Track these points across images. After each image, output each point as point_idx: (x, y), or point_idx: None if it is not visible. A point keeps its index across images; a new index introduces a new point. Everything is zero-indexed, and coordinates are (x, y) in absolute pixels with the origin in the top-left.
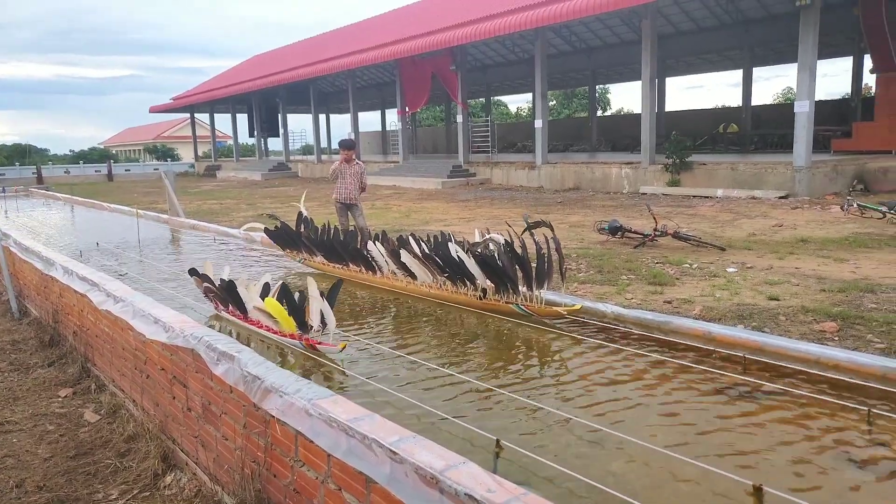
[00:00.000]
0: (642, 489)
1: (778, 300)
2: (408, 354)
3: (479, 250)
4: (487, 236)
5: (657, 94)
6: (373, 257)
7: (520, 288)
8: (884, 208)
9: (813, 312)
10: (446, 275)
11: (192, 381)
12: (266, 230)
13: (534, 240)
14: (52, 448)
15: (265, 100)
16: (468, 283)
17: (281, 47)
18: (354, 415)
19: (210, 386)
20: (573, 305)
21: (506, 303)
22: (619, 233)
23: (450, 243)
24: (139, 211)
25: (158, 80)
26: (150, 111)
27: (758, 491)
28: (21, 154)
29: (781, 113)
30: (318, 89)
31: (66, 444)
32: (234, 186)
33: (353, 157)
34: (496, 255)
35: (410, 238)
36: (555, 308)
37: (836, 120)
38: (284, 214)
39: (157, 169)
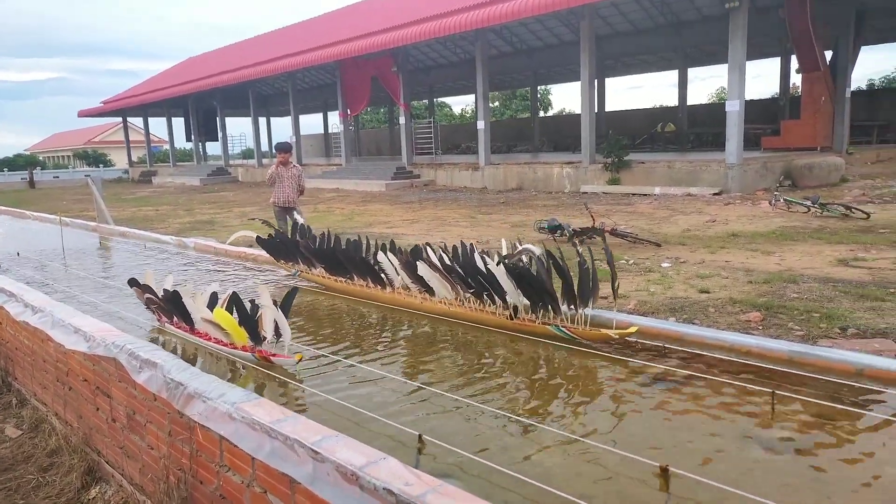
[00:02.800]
0: (563, 477)
1: (708, 293)
2: (412, 381)
3: (513, 261)
4: (522, 247)
5: (597, 94)
6: (382, 269)
7: (561, 307)
8: (808, 202)
9: (740, 303)
10: (472, 290)
11: (116, 391)
12: (259, 239)
13: (577, 250)
14: None
15: (202, 103)
16: (495, 299)
17: (218, 49)
18: (277, 417)
19: (134, 395)
20: (627, 327)
21: (542, 323)
22: (559, 231)
23: (475, 254)
24: (63, 218)
25: (89, 82)
26: (79, 115)
27: (664, 472)
28: None
29: (715, 112)
30: (257, 92)
31: None
32: (171, 192)
33: (290, 160)
34: (532, 267)
35: (428, 248)
36: (603, 330)
37: (766, 118)
38: (224, 220)
39: (87, 175)
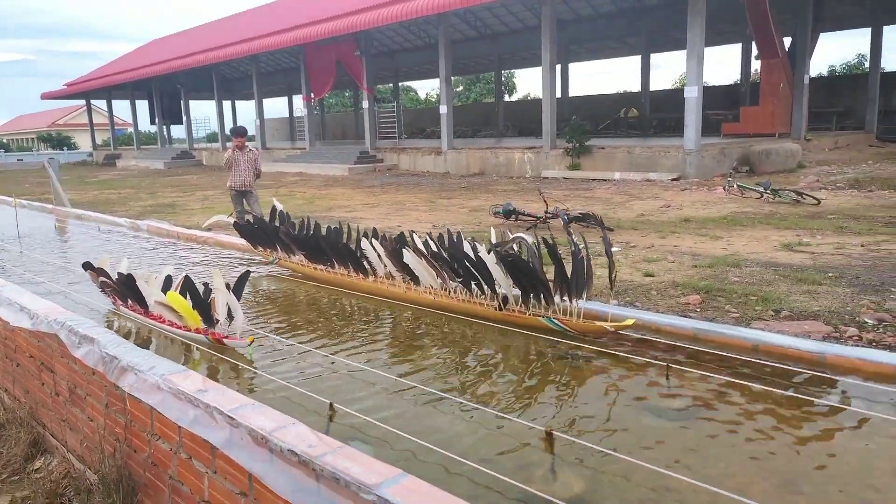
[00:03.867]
0: (470, 444)
1: (653, 276)
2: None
3: (505, 249)
4: (515, 235)
5: (561, 79)
6: (366, 257)
7: (554, 297)
8: (760, 188)
9: (682, 287)
10: (460, 279)
11: (59, 366)
12: (236, 224)
13: (570, 239)
14: None
15: (166, 86)
16: (484, 289)
17: (182, 31)
18: (199, 387)
19: (74, 370)
20: (623, 320)
21: (533, 315)
22: (514, 216)
23: (465, 241)
24: (17, 200)
25: (52, 64)
26: (42, 98)
27: (549, 435)
28: None
29: (678, 98)
30: (221, 75)
31: None
32: (135, 175)
33: (246, 143)
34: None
35: (414, 235)
36: (597, 323)
37: (727, 104)
38: (186, 203)
39: (52, 158)
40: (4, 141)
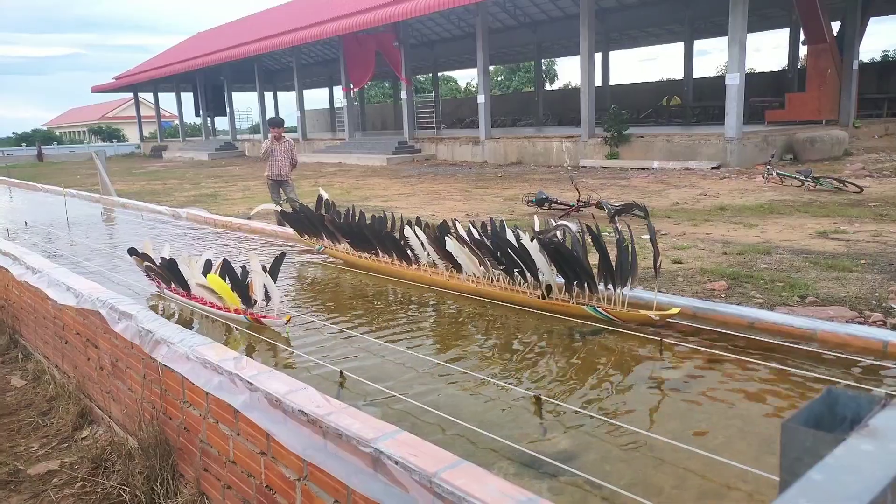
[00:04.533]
0: (465, 406)
1: (681, 263)
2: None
3: (549, 237)
4: (558, 223)
5: (601, 67)
6: (409, 245)
7: (598, 285)
8: (801, 176)
9: (709, 273)
10: (503, 267)
11: (102, 342)
12: (282, 213)
13: (615, 227)
14: None
15: (210, 78)
16: (527, 277)
17: (225, 24)
18: (223, 356)
19: (115, 344)
20: (668, 308)
21: (577, 303)
22: (546, 204)
23: (508, 229)
24: (66, 190)
25: (102, 58)
26: (92, 91)
27: (538, 400)
28: None
29: (722, 85)
30: (263, 67)
31: None
32: (180, 167)
33: (283, 134)
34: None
35: (456, 223)
36: (642, 311)
37: (773, 91)
38: (227, 193)
39: (99, 150)
40: (57, 133)
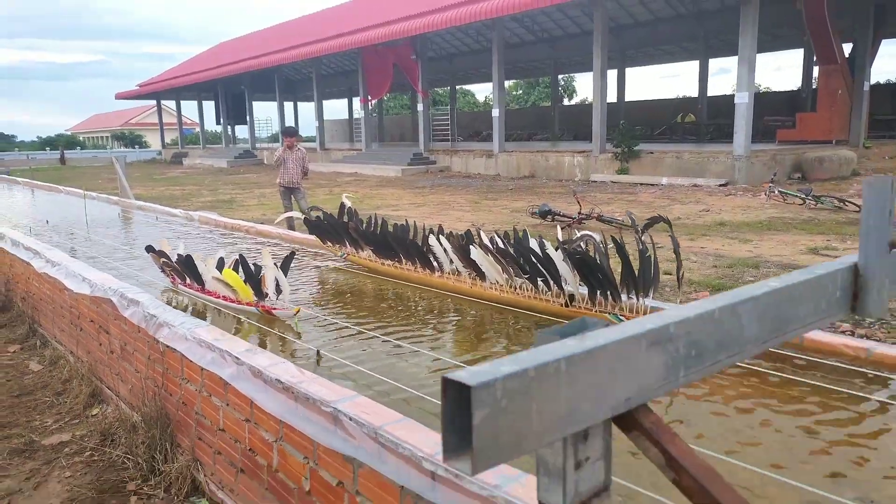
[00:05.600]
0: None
1: (670, 274)
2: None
3: (573, 247)
4: (582, 233)
5: (619, 83)
6: (433, 253)
7: (620, 295)
8: (801, 195)
9: (696, 284)
10: (527, 276)
11: (113, 327)
12: (306, 221)
13: (638, 237)
14: None
15: (231, 87)
16: (551, 286)
17: (247, 34)
18: (216, 336)
19: (124, 329)
20: None
21: (599, 312)
22: (550, 216)
23: (532, 238)
24: (87, 192)
25: (126, 65)
26: (116, 98)
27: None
28: None
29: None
30: (284, 77)
31: (12, 387)
32: (200, 173)
33: (296, 143)
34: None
35: (481, 232)
36: None
37: (788, 110)
38: (243, 200)
39: (119, 155)
40: (81, 139)
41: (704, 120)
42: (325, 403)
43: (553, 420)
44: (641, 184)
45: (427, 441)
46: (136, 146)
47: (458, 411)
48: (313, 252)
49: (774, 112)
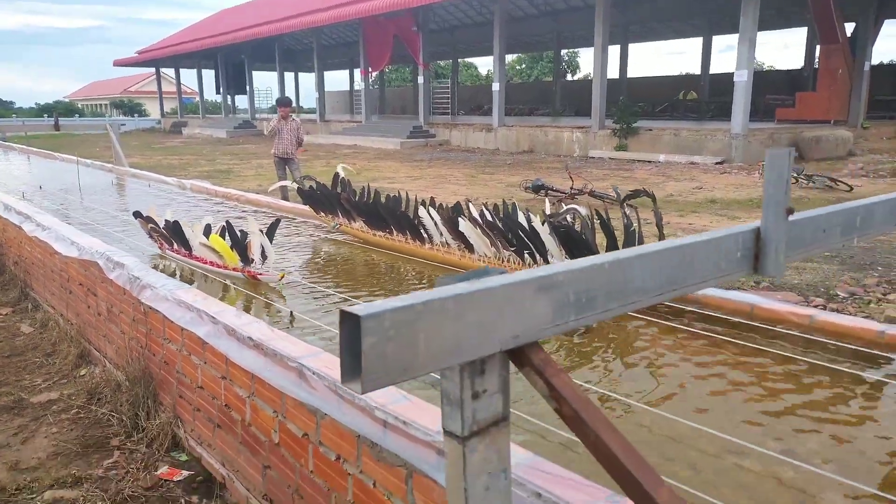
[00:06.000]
0: None
1: None
2: None
3: (558, 220)
4: (568, 206)
5: (621, 59)
6: (423, 224)
7: None
8: (793, 173)
9: None
10: (513, 248)
11: (100, 290)
12: (300, 190)
13: (623, 212)
14: None
15: (231, 56)
16: (537, 258)
17: (248, 2)
18: (195, 297)
19: (110, 291)
20: None
21: None
22: (543, 191)
23: (520, 212)
24: (79, 158)
25: (128, 31)
26: (114, 64)
27: None
28: None
29: None
30: (285, 47)
31: (3, 348)
32: (198, 143)
33: (290, 114)
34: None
35: (470, 205)
36: None
37: (790, 89)
38: (240, 170)
39: (123, 125)
40: (79, 106)
41: (706, 97)
42: (292, 359)
43: (440, 350)
44: (639, 160)
45: (379, 392)
46: (136, 115)
47: (352, 340)
48: (306, 221)
49: (777, 91)
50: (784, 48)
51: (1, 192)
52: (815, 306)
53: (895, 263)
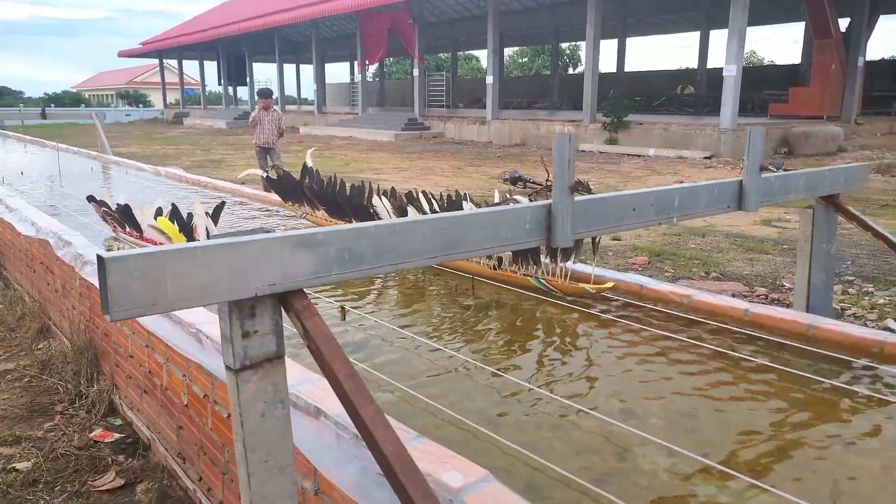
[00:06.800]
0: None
1: (619, 240)
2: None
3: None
4: (511, 197)
5: (619, 53)
6: (377, 213)
7: (542, 259)
8: (773, 168)
9: (639, 250)
10: None
11: (55, 267)
12: (268, 178)
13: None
14: None
15: (232, 48)
16: None
17: None
18: None
19: (63, 268)
20: (603, 283)
21: (524, 275)
22: (521, 182)
23: (465, 202)
24: (59, 145)
25: (135, 23)
26: (118, 55)
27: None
28: None
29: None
30: (288, 39)
31: None
32: (198, 133)
33: (271, 105)
34: None
35: (420, 195)
36: (580, 285)
37: (787, 84)
38: (233, 160)
39: (128, 115)
40: (86, 96)
41: (703, 92)
42: (192, 326)
43: (190, 291)
44: (628, 154)
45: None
46: (140, 105)
47: (102, 279)
48: (277, 211)
49: (776, 86)
50: (795, 43)
51: None
52: (758, 296)
53: (853, 257)
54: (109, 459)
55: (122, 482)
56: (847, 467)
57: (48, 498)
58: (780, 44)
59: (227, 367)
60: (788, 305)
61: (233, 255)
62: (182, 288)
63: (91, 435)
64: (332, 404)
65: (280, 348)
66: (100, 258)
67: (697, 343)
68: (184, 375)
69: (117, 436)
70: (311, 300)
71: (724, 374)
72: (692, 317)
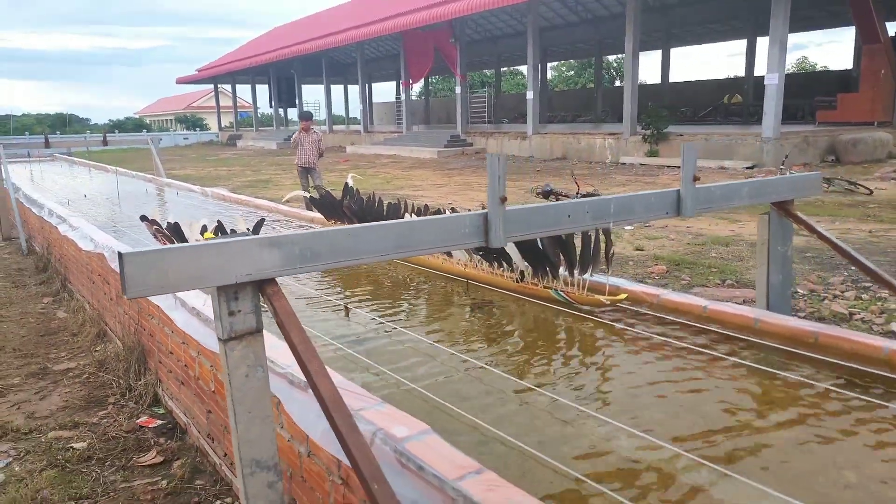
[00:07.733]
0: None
1: (641, 250)
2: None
3: None
4: None
5: (663, 64)
6: None
7: (560, 272)
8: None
9: (660, 259)
10: (480, 253)
11: (111, 278)
12: (311, 199)
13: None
14: (28, 330)
15: (282, 71)
16: (505, 263)
17: (299, 19)
18: None
19: (116, 279)
20: (617, 294)
21: (544, 287)
22: (553, 195)
23: None
24: (119, 169)
25: (193, 50)
26: (176, 82)
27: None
28: (63, 123)
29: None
30: (336, 61)
31: (39, 329)
32: (249, 155)
33: (311, 126)
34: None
35: (448, 210)
36: (596, 296)
37: (839, 90)
38: (280, 180)
39: (186, 139)
40: (147, 122)
41: (751, 101)
42: (211, 319)
43: (186, 278)
44: (668, 166)
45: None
46: (197, 128)
47: (121, 269)
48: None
49: (828, 92)
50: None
51: (53, 200)
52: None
53: (875, 264)
54: (152, 441)
55: (162, 459)
56: None
57: (99, 471)
58: (828, 50)
59: (219, 339)
60: (798, 311)
61: (218, 252)
62: (179, 276)
63: (137, 421)
64: None
65: (259, 324)
66: (119, 254)
67: (703, 350)
68: (211, 366)
69: (159, 422)
70: (322, 301)
71: (731, 381)
72: (703, 325)
